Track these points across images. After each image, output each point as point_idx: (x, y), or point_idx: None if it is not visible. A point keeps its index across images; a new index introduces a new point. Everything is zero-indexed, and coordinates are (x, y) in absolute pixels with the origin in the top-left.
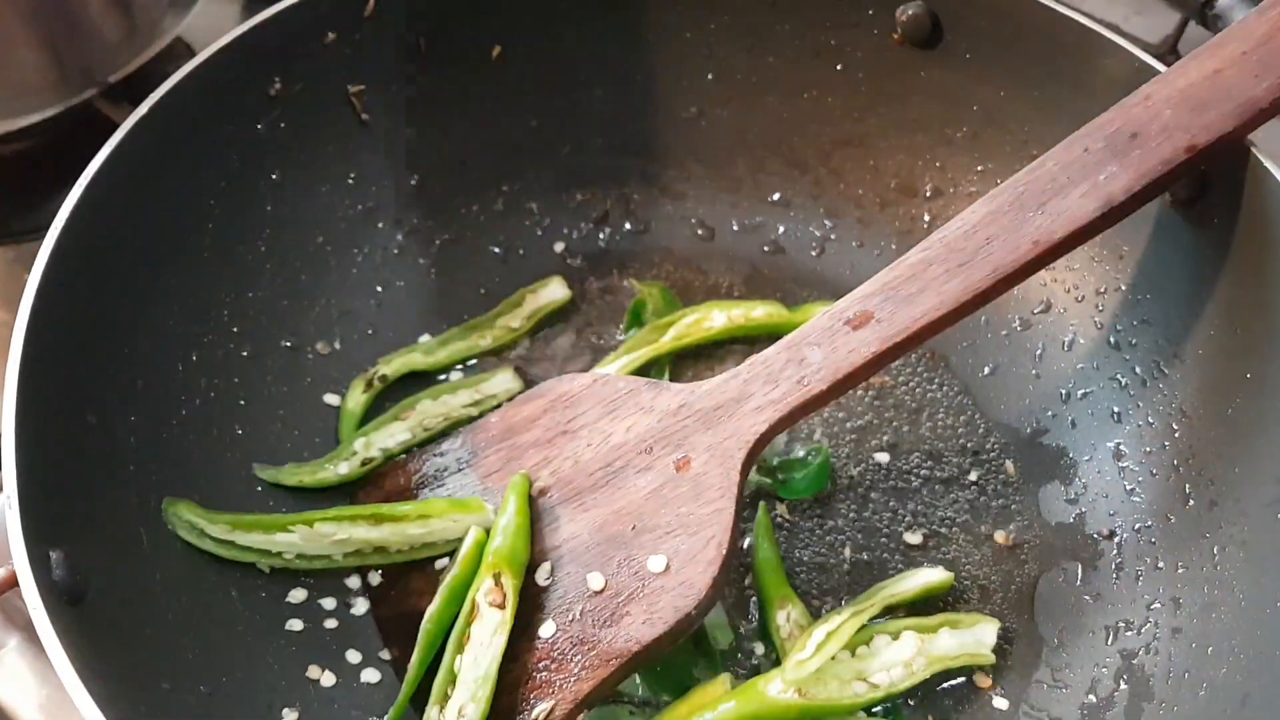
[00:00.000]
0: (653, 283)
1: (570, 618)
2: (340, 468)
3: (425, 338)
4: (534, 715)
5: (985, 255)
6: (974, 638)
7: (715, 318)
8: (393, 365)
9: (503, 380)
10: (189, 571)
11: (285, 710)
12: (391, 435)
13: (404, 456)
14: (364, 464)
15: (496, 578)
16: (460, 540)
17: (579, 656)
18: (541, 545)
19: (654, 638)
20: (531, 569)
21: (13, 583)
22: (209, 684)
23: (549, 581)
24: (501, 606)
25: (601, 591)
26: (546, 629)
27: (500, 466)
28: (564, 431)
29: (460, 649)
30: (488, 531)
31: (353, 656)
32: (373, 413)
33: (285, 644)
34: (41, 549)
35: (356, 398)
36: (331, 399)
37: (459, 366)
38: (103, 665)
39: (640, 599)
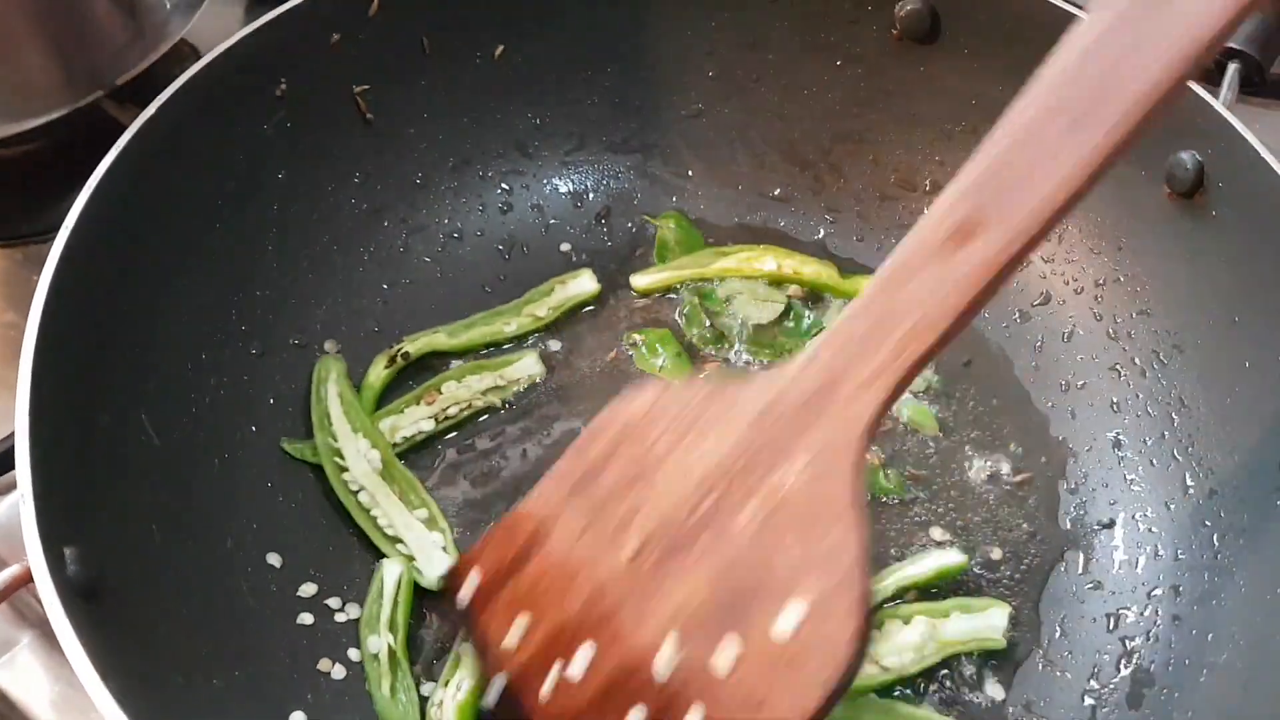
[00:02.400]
0: (668, 213)
1: (713, 700)
2: None
3: None
4: None
5: (1116, 90)
6: (985, 622)
7: (767, 261)
8: (416, 344)
9: (527, 365)
10: (200, 567)
11: (296, 703)
12: (415, 423)
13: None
14: None
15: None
16: None
17: None
18: (654, 619)
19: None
20: (652, 650)
21: (28, 579)
22: (221, 678)
23: (677, 658)
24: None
25: (736, 665)
26: (695, 714)
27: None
28: (639, 476)
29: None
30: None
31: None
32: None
33: (296, 638)
34: (56, 546)
35: (378, 372)
36: None
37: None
38: (117, 660)
39: (779, 668)
